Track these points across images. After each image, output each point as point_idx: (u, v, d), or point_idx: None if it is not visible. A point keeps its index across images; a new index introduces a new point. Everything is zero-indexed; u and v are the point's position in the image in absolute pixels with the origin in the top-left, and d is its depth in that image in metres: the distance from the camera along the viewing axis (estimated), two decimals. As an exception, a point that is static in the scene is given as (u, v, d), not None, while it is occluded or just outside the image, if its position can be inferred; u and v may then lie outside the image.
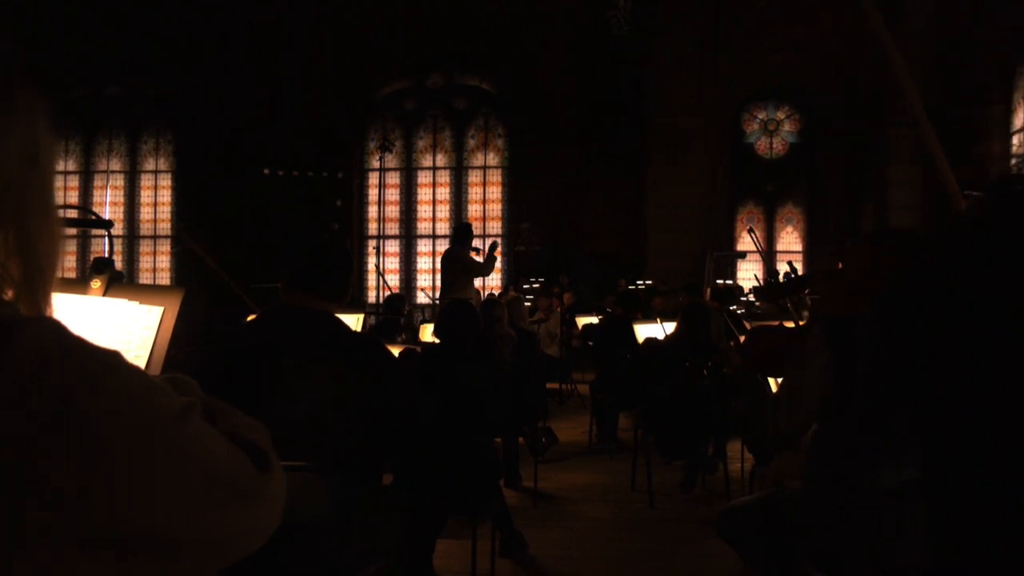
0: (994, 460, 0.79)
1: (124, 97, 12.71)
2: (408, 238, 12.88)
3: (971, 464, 0.81)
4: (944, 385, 0.84)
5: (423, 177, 12.92)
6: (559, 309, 8.16)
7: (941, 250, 0.88)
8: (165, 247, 13.12)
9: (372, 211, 12.71)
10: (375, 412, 1.83)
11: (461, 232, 6.85)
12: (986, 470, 0.80)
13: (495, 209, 12.76)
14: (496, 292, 9.93)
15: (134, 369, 0.63)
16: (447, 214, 12.84)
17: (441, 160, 12.86)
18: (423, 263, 12.88)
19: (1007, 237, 0.82)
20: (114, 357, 0.62)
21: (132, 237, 13.23)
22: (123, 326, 1.37)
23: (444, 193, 12.86)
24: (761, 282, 8.93)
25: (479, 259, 6.70)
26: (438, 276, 12.62)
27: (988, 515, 0.80)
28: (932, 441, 0.85)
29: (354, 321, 3.41)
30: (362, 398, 1.81)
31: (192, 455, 0.62)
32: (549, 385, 7.04)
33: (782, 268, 11.08)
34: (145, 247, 13.25)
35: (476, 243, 6.89)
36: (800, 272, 10.31)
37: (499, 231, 12.52)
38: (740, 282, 10.98)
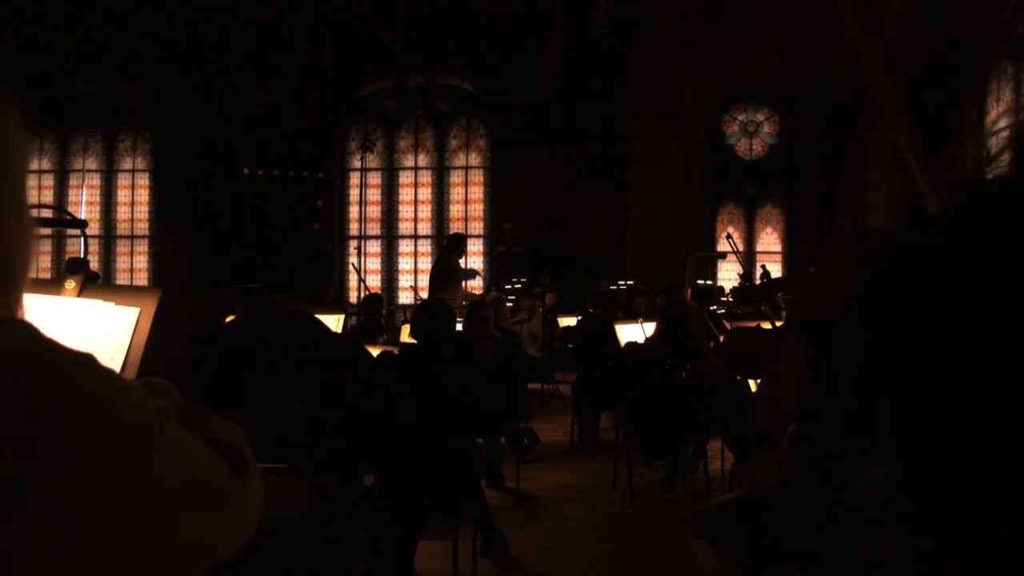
0: (977, 459, 0.81)
1: (100, 95, 12.53)
2: (390, 238, 12.84)
3: (954, 463, 0.82)
4: (921, 385, 0.85)
5: (405, 177, 12.87)
6: (541, 310, 8.17)
7: (915, 251, 0.90)
8: (143, 247, 12.96)
9: (353, 211, 12.64)
10: (356, 413, 1.82)
11: (454, 240, 7.25)
12: (970, 469, 0.81)
13: (477, 209, 12.75)
14: (477, 292, 9.92)
15: (108, 371, 0.63)
16: (429, 214, 12.81)
17: (423, 160, 12.83)
18: (405, 263, 12.84)
19: (973, 238, 0.84)
20: (87, 359, 0.61)
21: (109, 237, 13.05)
22: (98, 327, 1.35)
23: (426, 193, 12.82)
24: (739, 284, 9.05)
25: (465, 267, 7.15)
26: (420, 276, 12.66)
27: (970, 514, 0.81)
28: (914, 440, 0.86)
29: (334, 322, 3.40)
30: (343, 400, 1.81)
31: (169, 458, 0.62)
32: (531, 385, 7.05)
33: (762, 270, 11.21)
34: (122, 247, 13.07)
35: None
36: (773, 275, 10.47)
37: (481, 231, 12.51)
38: (721, 283, 11.06)
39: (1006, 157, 0.89)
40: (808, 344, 1.37)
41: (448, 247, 7.44)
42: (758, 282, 10.00)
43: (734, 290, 7.61)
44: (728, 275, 11.67)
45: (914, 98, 8.81)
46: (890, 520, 0.90)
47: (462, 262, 7.31)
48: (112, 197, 13.07)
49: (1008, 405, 0.79)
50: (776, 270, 11.72)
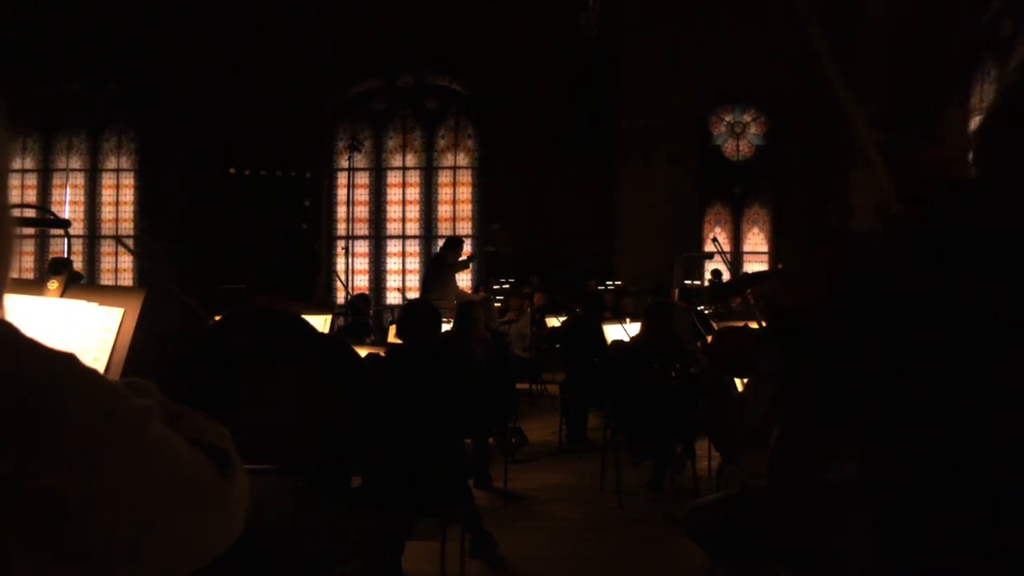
0: (952, 458, 0.81)
1: (85, 94, 12.41)
2: (378, 238, 12.80)
3: (928, 462, 0.83)
4: (892, 385, 0.86)
5: (393, 177, 12.84)
6: (529, 310, 8.18)
7: (888, 252, 0.91)
8: (127, 247, 12.85)
9: (341, 211, 12.59)
10: (344, 414, 1.82)
11: (451, 243, 7.38)
12: (946, 469, 0.82)
13: (465, 210, 12.74)
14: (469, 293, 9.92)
15: (91, 371, 0.62)
16: (417, 214, 12.78)
17: (411, 160, 12.80)
18: (393, 263, 12.81)
19: (946, 240, 0.85)
20: (69, 359, 0.61)
21: (93, 237, 12.92)
22: (81, 328, 1.34)
23: (414, 193, 12.79)
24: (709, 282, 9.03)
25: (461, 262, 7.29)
26: (408, 276, 12.63)
27: (938, 513, 0.82)
28: (885, 440, 0.87)
29: (321, 322, 3.38)
30: (331, 400, 1.80)
31: (152, 459, 0.62)
32: (519, 385, 7.06)
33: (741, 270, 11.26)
34: (107, 247, 12.94)
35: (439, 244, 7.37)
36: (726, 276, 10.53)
37: (469, 232, 12.50)
38: (708, 283, 11.11)
39: (970, 158, 0.91)
40: (779, 342, 1.38)
41: (445, 248, 7.54)
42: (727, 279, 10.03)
43: (704, 290, 7.63)
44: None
45: (899, 100, 8.88)
46: (862, 518, 0.91)
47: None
48: (97, 197, 12.95)
49: (979, 405, 0.79)
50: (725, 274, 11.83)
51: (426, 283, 7.25)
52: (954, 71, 9.80)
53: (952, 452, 0.81)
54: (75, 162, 12.89)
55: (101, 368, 1.35)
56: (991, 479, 0.79)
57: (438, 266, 7.31)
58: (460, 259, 7.54)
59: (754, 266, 11.94)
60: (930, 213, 0.90)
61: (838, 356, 0.93)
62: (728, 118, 12.36)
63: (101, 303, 1.37)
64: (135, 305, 1.38)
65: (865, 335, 0.89)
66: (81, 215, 12.82)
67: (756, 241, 12.38)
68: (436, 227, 12.68)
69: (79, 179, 12.93)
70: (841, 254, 1.40)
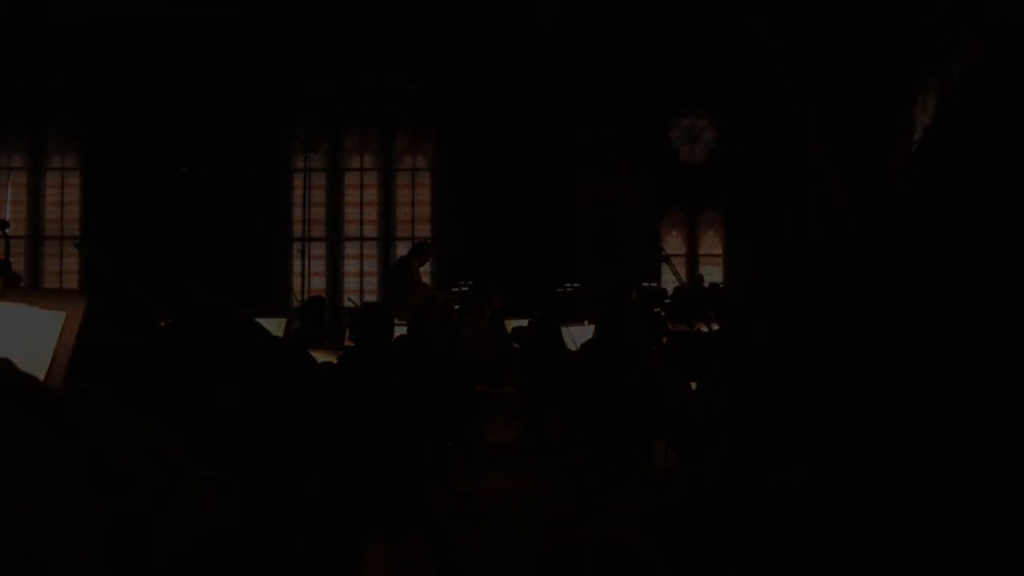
0: (887, 462, 0.83)
1: (28, 90, 11.98)
2: (335, 240, 12.64)
3: (864, 465, 0.85)
4: (824, 391, 0.88)
5: (350, 179, 12.70)
6: (488, 312, 8.19)
7: (828, 261, 0.93)
8: (72, 248, 12.44)
9: (297, 213, 12.40)
10: (294, 418, 1.79)
11: (418, 247, 7.44)
12: (881, 471, 0.84)
13: (424, 212, 12.68)
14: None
15: (27, 378, 0.60)
16: (375, 216, 12.67)
17: (369, 162, 12.68)
18: (350, 266, 12.66)
19: (881, 249, 0.87)
20: (4, 365, 0.59)
21: (36, 238, 12.48)
22: (19, 333, 1.29)
23: (372, 195, 12.68)
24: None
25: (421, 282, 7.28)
26: (366, 279, 12.52)
27: (881, 517, 0.84)
28: (824, 443, 0.89)
29: (276, 326, 3.33)
30: (280, 404, 1.77)
31: (93, 466, 0.60)
32: (479, 387, 7.05)
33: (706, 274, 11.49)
34: (50, 248, 12.51)
35: (403, 248, 7.31)
36: (708, 278, 10.76)
37: (428, 233, 12.45)
38: (664, 284, 11.29)
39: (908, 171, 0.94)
40: (725, 345, 1.41)
41: (411, 252, 7.61)
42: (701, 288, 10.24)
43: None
44: (672, 278, 11.90)
45: (844, 115, 9.14)
46: (812, 521, 0.93)
47: (423, 270, 7.53)
48: (40, 196, 12.51)
49: (906, 413, 0.82)
50: (716, 272, 12.09)
51: (390, 285, 7.30)
52: (898, 86, 10.12)
53: (884, 460, 0.83)
54: (16, 160, 12.44)
55: (41, 375, 1.30)
56: (923, 481, 0.81)
57: (402, 268, 7.33)
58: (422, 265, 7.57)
59: (709, 268, 12.18)
60: (875, 227, 0.93)
61: (777, 360, 0.96)
62: (684, 123, 12.58)
63: (41, 307, 1.31)
64: (77, 309, 1.33)
65: (799, 340, 0.91)
66: (23, 215, 12.37)
67: (711, 244, 12.63)
68: (395, 229, 12.59)
69: (21, 177, 12.47)
70: (791, 261, 1.44)
